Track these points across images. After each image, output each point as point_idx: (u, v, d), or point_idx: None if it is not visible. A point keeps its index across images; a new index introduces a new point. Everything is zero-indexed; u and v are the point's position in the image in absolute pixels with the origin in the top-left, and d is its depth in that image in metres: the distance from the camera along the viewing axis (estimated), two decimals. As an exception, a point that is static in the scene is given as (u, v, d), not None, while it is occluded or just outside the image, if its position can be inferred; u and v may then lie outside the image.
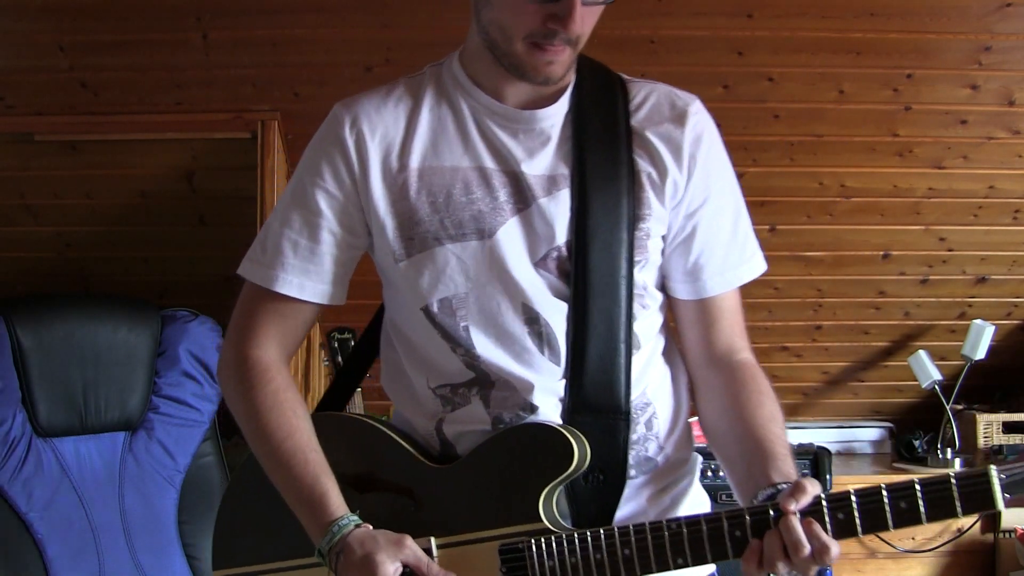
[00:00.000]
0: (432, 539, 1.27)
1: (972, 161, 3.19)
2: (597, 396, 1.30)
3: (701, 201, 1.34)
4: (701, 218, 1.35)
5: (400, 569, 1.21)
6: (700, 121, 1.35)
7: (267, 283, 1.37)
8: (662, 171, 1.32)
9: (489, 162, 1.32)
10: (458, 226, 1.30)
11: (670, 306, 1.41)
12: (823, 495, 1.13)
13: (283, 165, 3.10)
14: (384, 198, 1.32)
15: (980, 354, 3.44)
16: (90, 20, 2.80)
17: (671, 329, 1.43)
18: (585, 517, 1.29)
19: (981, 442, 3.45)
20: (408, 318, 1.36)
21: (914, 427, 3.65)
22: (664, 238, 1.35)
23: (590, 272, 1.29)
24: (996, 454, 3.39)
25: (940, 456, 3.44)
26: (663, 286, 1.39)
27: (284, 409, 1.33)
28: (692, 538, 1.16)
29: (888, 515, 1.11)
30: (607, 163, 1.31)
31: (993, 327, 3.46)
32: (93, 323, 2.71)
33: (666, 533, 1.17)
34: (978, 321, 3.47)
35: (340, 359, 2.95)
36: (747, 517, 1.15)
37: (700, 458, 1.46)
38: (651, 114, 1.34)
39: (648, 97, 1.36)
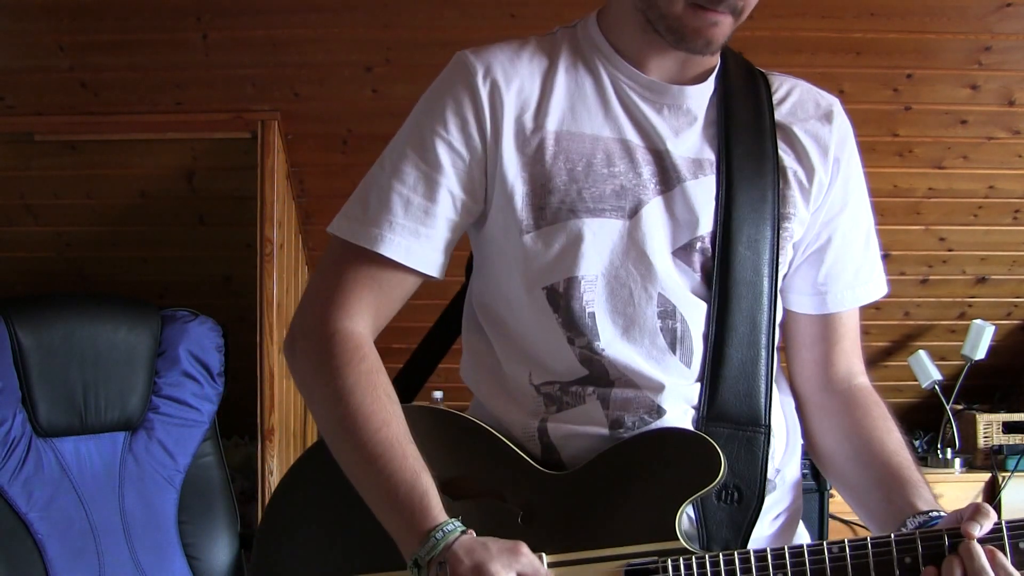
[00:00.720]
0: (544, 556, 1.09)
1: (972, 161, 3.19)
2: (737, 405, 1.16)
3: (839, 208, 1.25)
4: (838, 227, 1.25)
5: None
6: (844, 124, 1.26)
7: (369, 243, 1.16)
8: (809, 169, 1.22)
9: (632, 135, 1.19)
10: (598, 199, 1.15)
11: (783, 321, 1.28)
12: (1004, 522, 1.04)
13: (283, 165, 3.10)
14: (516, 160, 1.16)
15: (980, 354, 3.44)
16: (90, 20, 2.80)
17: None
18: (717, 540, 1.12)
19: (981, 442, 3.45)
20: (517, 301, 1.19)
21: (914, 427, 3.65)
22: (796, 246, 1.24)
23: (735, 268, 1.17)
24: (996, 454, 3.39)
25: (940, 456, 3.44)
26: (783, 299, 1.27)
27: (379, 394, 1.14)
28: (857, 563, 1.04)
29: None
30: (754, 154, 1.20)
31: (993, 327, 3.46)
32: (93, 323, 2.71)
33: (827, 557, 1.05)
34: (978, 321, 3.47)
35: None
36: (919, 542, 1.04)
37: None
38: (795, 109, 1.25)
39: (791, 92, 1.27)
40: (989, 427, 3.46)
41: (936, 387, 3.47)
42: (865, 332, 1.35)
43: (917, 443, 3.54)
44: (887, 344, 3.64)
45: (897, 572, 1.04)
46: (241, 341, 2.97)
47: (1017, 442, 3.42)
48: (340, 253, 1.19)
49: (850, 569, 1.04)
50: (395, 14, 2.83)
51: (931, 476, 3.31)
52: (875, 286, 1.30)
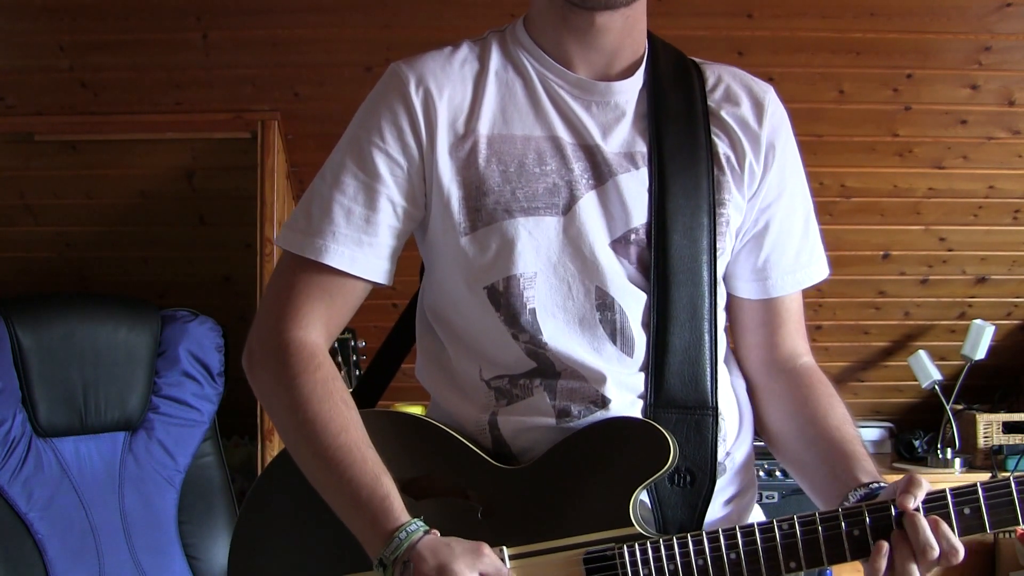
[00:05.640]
0: (504, 549, 1.12)
1: (972, 161, 3.19)
2: (683, 391, 1.19)
3: (776, 195, 1.27)
4: (775, 213, 1.27)
5: None
6: (778, 111, 1.28)
7: (314, 254, 1.20)
8: (740, 154, 1.24)
9: (563, 132, 1.21)
10: (531, 198, 1.18)
11: (728, 306, 1.32)
12: (949, 489, 1.06)
13: (283, 165, 3.10)
14: (450, 165, 1.19)
15: (980, 354, 3.44)
16: (90, 20, 2.80)
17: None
18: (672, 523, 1.16)
19: (981, 442, 3.45)
20: (462, 301, 1.22)
21: (914, 427, 3.65)
22: (736, 233, 1.26)
23: (671, 258, 1.19)
24: (996, 454, 3.39)
25: (940, 456, 3.44)
26: (726, 285, 1.30)
27: (335, 400, 1.17)
28: (807, 539, 1.07)
29: (1019, 508, 1.04)
30: (686, 143, 1.22)
31: (993, 327, 3.46)
32: (93, 323, 2.71)
33: (777, 534, 1.07)
34: (978, 321, 3.47)
35: (340, 359, 2.95)
36: (867, 515, 1.07)
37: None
38: (727, 95, 1.26)
39: (722, 78, 1.28)
40: (989, 427, 3.46)
41: (936, 387, 3.47)
42: (865, 332, 1.36)
43: (917, 443, 3.54)
44: (887, 344, 3.64)
45: (847, 544, 1.06)
46: (241, 341, 2.92)
47: (1017, 442, 3.42)
48: (288, 265, 1.23)
49: (800, 545, 1.07)
50: (395, 14, 2.83)
51: (931, 476, 3.30)
52: (815, 269, 1.32)
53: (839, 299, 3.48)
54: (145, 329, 2.76)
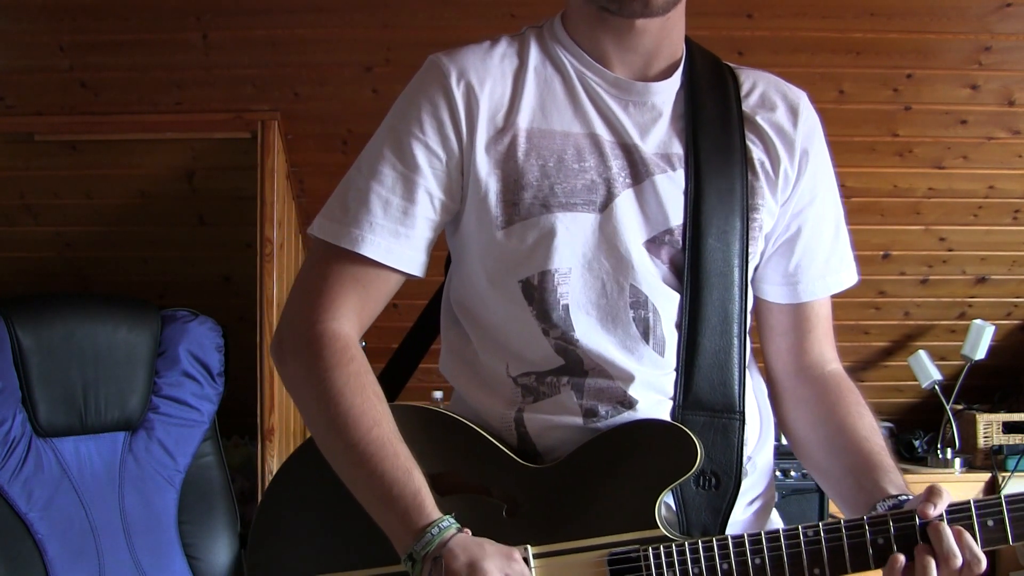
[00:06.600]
0: (528, 547, 1.12)
1: (972, 161, 3.19)
2: (711, 393, 1.19)
3: (809, 200, 1.27)
4: (807, 218, 1.27)
5: None
6: (812, 117, 1.28)
7: (350, 244, 1.18)
8: (775, 160, 1.24)
9: (602, 130, 1.21)
10: (569, 194, 1.18)
11: (756, 310, 1.31)
12: (972, 500, 1.07)
13: (283, 165, 3.10)
14: (489, 158, 1.19)
15: (980, 354, 3.44)
16: (90, 20, 2.80)
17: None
18: (696, 525, 1.16)
19: (981, 442, 3.45)
20: (492, 295, 1.22)
21: (914, 427, 3.65)
22: (768, 237, 1.27)
23: (704, 260, 1.19)
24: (996, 454, 3.39)
25: (940, 456, 3.44)
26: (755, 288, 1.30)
27: (368, 394, 1.16)
28: (831, 546, 1.07)
29: None
30: (721, 146, 1.22)
31: (993, 327, 3.46)
32: (93, 323, 2.71)
33: (802, 540, 1.08)
34: (978, 321, 3.47)
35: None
36: (891, 523, 1.07)
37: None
38: (762, 101, 1.27)
39: (757, 84, 1.29)
40: (989, 427, 3.46)
41: (936, 387, 3.47)
42: (865, 332, 1.36)
43: (917, 443, 3.54)
44: (887, 344, 3.64)
45: (871, 552, 1.07)
46: (241, 341, 2.97)
47: (1017, 442, 3.42)
48: (322, 255, 1.22)
49: (825, 552, 1.07)
50: (395, 14, 2.83)
51: (931, 476, 3.31)
52: (845, 275, 1.33)
53: (839, 299, 3.44)
54: (145, 329, 2.76)
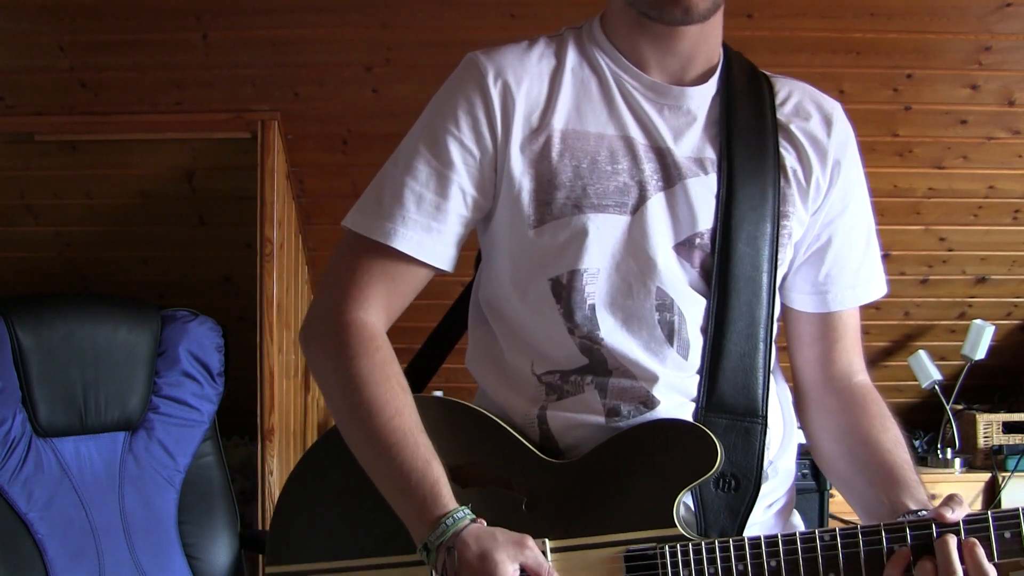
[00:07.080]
0: (547, 541, 1.14)
1: (972, 161, 3.19)
2: (735, 397, 1.20)
3: (840, 210, 1.28)
4: (838, 228, 1.29)
5: (519, 572, 1.08)
6: (846, 128, 1.29)
7: (382, 237, 1.20)
8: (808, 170, 1.26)
9: (636, 132, 1.22)
10: (601, 196, 1.19)
11: (783, 318, 1.32)
12: (990, 512, 1.07)
13: (283, 165, 3.10)
14: (524, 157, 1.20)
15: (980, 354, 3.44)
16: (90, 20, 2.80)
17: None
18: (714, 527, 1.17)
19: (981, 442, 3.45)
20: (521, 293, 1.23)
21: (914, 427, 3.65)
22: (797, 246, 1.28)
23: (734, 265, 1.20)
24: (996, 454, 3.39)
25: (940, 456, 3.44)
26: (783, 297, 1.31)
27: (392, 384, 1.18)
28: (847, 552, 1.08)
29: None
30: (754, 153, 1.23)
31: (993, 327, 3.46)
32: (93, 323, 2.71)
33: (818, 544, 1.08)
34: (978, 321, 3.48)
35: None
36: (908, 531, 1.08)
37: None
38: (797, 110, 1.28)
39: (792, 93, 1.30)
40: (989, 427, 3.46)
41: (936, 387, 3.47)
42: (865, 332, 1.36)
43: (917, 443, 3.54)
44: (887, 344, 3.64)
45: (886, 559, 1.07)
46: (241, 341, 2.97)
47: (1017, 442, 3.42)
48: (354, 246, 1.23)
49: (841, 557, 1.08)
50: (395, 14, 2.83)
51: (931, 476, 3.31)
52: (875, 286, 1.33)
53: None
54: (145, 329, 2.76)
